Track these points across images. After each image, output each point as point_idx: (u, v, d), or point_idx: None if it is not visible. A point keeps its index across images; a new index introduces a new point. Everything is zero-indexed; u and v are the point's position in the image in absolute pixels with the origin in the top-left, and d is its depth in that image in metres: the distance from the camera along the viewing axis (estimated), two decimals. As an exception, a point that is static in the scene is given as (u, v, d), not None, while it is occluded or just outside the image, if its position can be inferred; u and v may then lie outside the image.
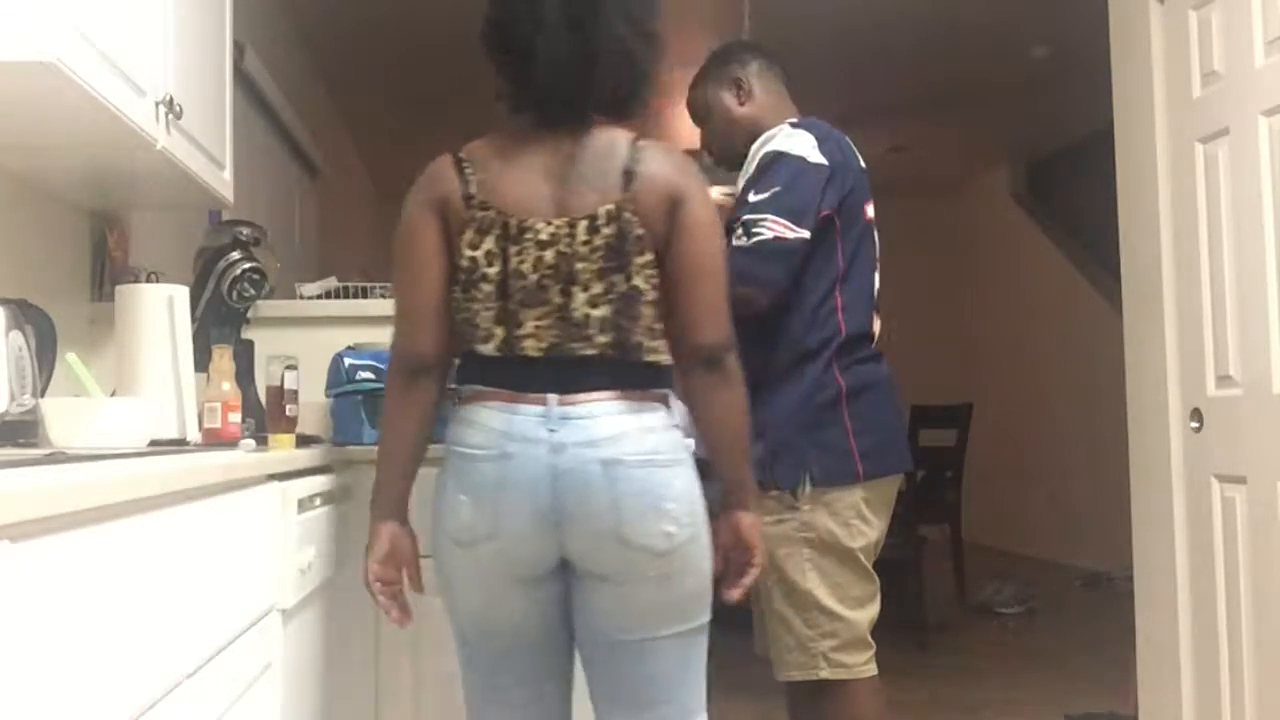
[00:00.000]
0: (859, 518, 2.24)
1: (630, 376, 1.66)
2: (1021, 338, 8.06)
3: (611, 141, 1.70)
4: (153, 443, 1.83)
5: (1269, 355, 2.45)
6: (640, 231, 1.65)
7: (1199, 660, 2.70)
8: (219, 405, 2.04)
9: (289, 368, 2.30)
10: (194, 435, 2.11)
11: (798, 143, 2.26)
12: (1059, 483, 7.37)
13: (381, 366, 2.46)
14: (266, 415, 2.31)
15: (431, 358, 1.69)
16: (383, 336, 2.65)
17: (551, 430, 1.61)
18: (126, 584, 1.14)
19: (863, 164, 2.37)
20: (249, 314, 2.62)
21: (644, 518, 1.62)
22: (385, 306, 2.87)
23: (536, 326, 1.64)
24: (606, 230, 1.64)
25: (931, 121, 6.72)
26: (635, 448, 1.62)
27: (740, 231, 2.20)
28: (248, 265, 2.51)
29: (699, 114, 2.55)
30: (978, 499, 6.28)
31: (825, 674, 2.21)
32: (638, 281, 1.65)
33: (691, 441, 1.79)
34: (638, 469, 1.62)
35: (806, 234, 2.20)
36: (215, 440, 2.02)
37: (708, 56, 2.56)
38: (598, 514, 1.61)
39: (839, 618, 2.22)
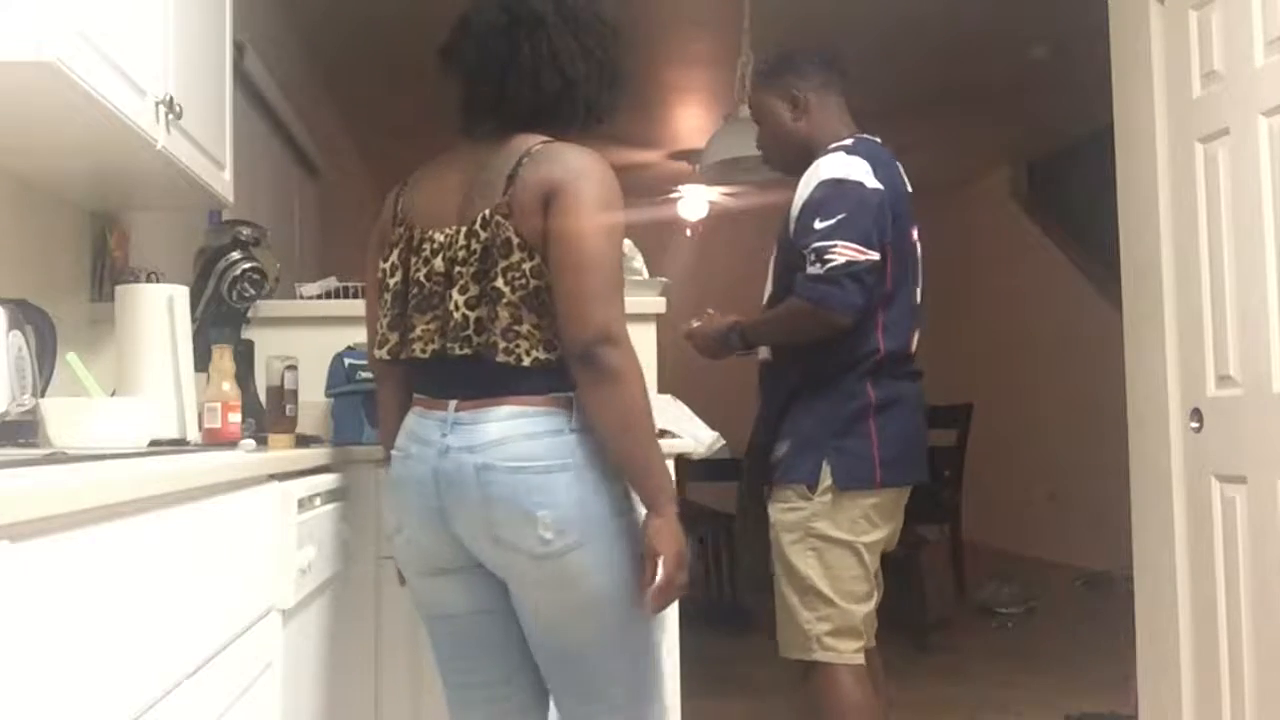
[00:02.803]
0: (865, 518, 2.37)
1: (524, 381, 1.68)
2: (1021, 338, 8.06)
3: (516, 148, 1.71)
4: (153, 443, 1.83)
5: (1269, 355, 2.45)
6: (509, 235, 1.66)
7: (1199, 660, 2.70)
8: (219, 405, 2.04)
9: (289, 368, 2.30)
10: (194, 435, 2.12)
11: (855, 168, 2.33)
12: (1059, 483, 7.36)
13: (382, 366, 2.46)
14: (266, 415, 2.31)
15: (379, 364, 1.85)
16: (383, 336, 2.66)
17: (444, 434, 1.70)
18: (126, 584, 1.14)
19: (909, 188, 2.43)
20: (249, 314, 2.62)
21: (515, 522, 1.65)
22: (385, 306, 2.88)
23: (424, 329, 1.73)
24: (483, 234, 1.68)
25: (931, 122, 6.72)
26: (510, 453, 1.65)
27: (813, 258, 2.27)
28: (248, 265, 2.52)
29: (755, 113, 2.63)
30: (978, 499, 6.27)
31: (817, 656, 2.36)
32: (498, 283, 1.67)
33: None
34: (508, 475, 1.65)
35: (877, 256, 2.29)
36: (215, 440, 2.02)
37: (772, 57, 2.61)
38: (472, 515, 1.68)
39: (833, 604, 2.35)
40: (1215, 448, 2.64)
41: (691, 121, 6.71)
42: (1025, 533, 7.78)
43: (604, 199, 1.68)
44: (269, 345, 2.49)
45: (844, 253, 2.25)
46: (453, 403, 1.71)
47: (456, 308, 1.69)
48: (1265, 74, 2.47)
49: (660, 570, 1.66)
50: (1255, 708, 2.49)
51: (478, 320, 1.68)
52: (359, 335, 2.67)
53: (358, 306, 2.89)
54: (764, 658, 4.57)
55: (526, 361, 1.66)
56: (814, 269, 2.27)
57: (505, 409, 1.68)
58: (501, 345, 1.66)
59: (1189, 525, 2.74)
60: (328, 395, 2.54)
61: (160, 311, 2.16)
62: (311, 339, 2.66)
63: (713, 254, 7.98)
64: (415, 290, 1.74)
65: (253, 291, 2.52)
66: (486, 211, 1.68)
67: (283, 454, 1.89)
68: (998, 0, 5.09)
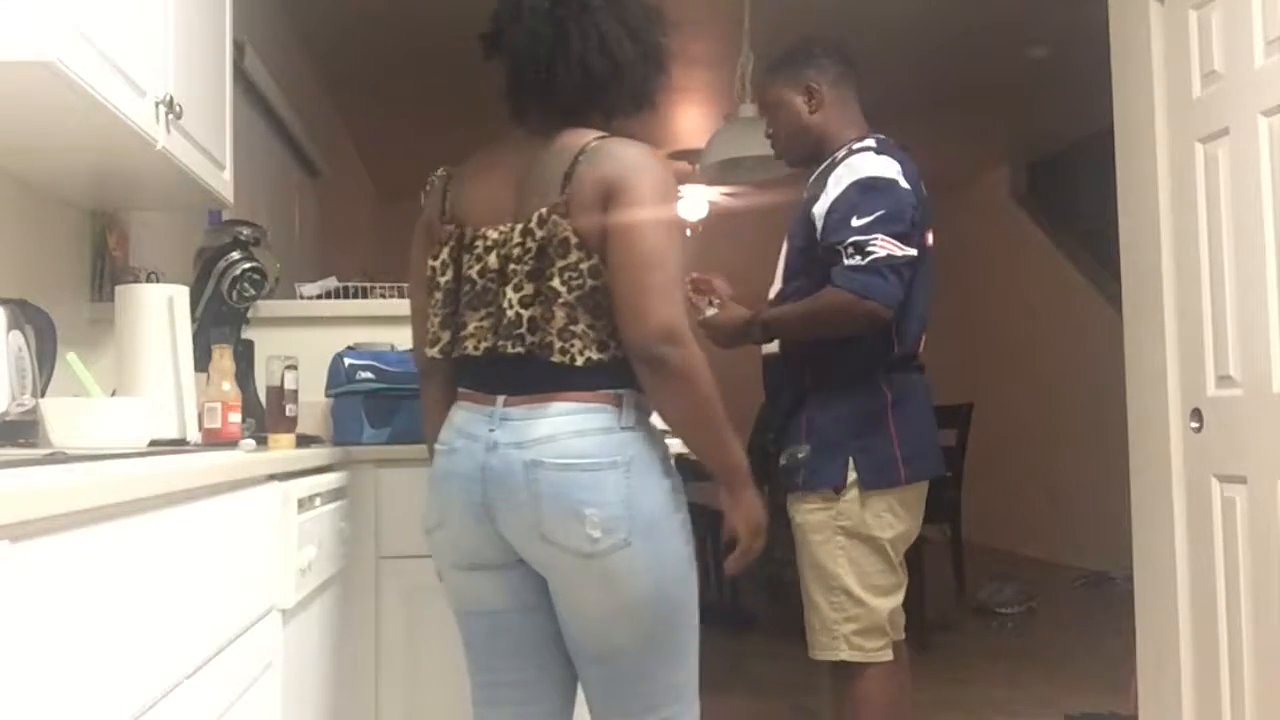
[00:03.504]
0: (890, 512, 2.40)
1: (576, 378, 1.66)
2: (1022, 338, 8.06)
3: (570, 144, 1.69)
4: (153, 443, 1.83)
5: (1269, 355, 2.45)
6: (567, 235, 1.65)
7: (1199, 660, 2.70)
8: (219, 405, 2.04)
9: (289, 368, 2.30)
10: (194, 435, 2.12)
11: (888, 168, 2.34)
12: (1059, 483, 7.37)
13: (382, 366, 2.47)
14: (266, 415, 2.31)
15: (428, 361, 1.80)
16: (383, 336, 2.68)
17: (491, 429, 1.68)
18: (126, 584, 1.14)
19: (925, 190, 2.44)
20: (249, 314, 2.62)
21: (563, 520, 1.63)
22: (385, 306, 2.88)
23: (477, 327, 1.71)
24: (539, 233, 1.66)
25: (931, 122, 6.71)
26: (559, 450, 1.63)
27: (851, 251, 2.27)
28: (248, 265, 2.52)
29: (767, 106, 2.61)
30: (978, 499, 6.27)
31: (845, 655, 2.38)
32: (554, 283, 1.65)
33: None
34: (557, 472, 1.63)
35: (914, 252, 2.31)
36: (215, 440, 2.02)
37: (787, 48, 2.59)
38: (519, 511, 1.66)
39: (861, 603, 2.38)
40: (1215, 448, 2.64)
41: (691, 121, 6.71)
42: (1025, 533, 7.78)
43: (662, 195, 1.67)
44: (269, 345, 2.49)
45: (884, 246, 2.26)
46: (501, 398, 1.69)
47: (510, 305, 1.67)
48: (1265, 74, 2.47)
49: (740, 543, 1.76)
50: (1255, 708, 2.50)
51: (531, 319, 1.66)
52: (359, 335, 2.68)
53: (358, 306, 2.90)
54: (766, 656, 4.58)
55: (580, 361, 1.65)
56: (854, 260, 2.26)
57: (555, 405, 1.65)
58: (557, 345, 1.65)
59: (1189, 525, 2.74)
60: (328, 395, 2.54)
61: (160, 311, 2.16)
62: (311, 339, 2.66)
63: (713, 254, 7.99)
64: (467, 288, 1.72)
65: (253, 291, 2.52)
66: (544, 210, 1.66)
67: (283, 454, 1.89)
68: (998, 0, 5.09)
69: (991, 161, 8.28)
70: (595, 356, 1.66)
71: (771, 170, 4.59)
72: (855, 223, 2.27)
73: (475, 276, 1.71)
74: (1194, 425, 2.70)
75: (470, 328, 1.72)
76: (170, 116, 2.11)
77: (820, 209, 2.36)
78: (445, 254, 1.75)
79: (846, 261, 2.27)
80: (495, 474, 1.66)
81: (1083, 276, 7.24)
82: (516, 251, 1.67)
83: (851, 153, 2.39)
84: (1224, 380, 2.61)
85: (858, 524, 2.37)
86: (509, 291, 1.67)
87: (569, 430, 1.64)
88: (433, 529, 1.78)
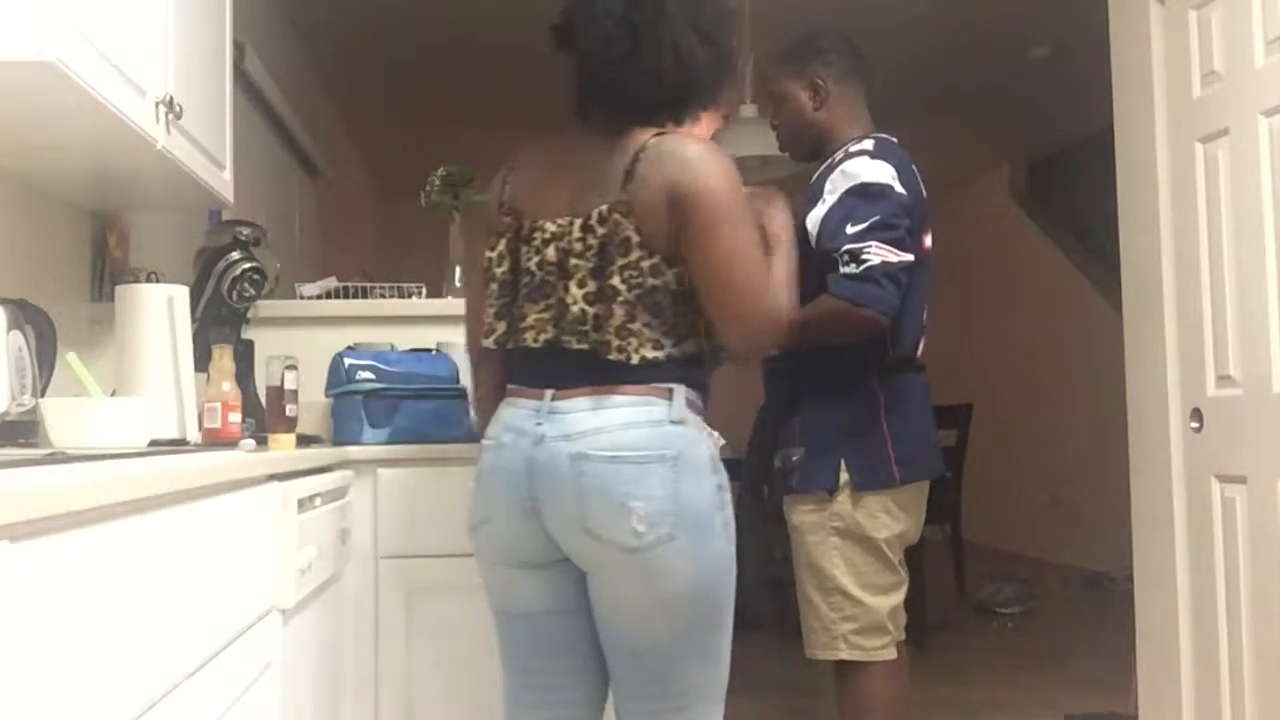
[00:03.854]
0: (885, 512, 2.39)
1: (625, 372, 1.66)
2: (1022, 338, 8.06)
3: (631, 142, 1.69)
4: (153, 443, 1.83)
5: (1269, 355, 2.45)
6: (629, 234, 1.65)
7: (1199, 660, 2.70)
8: (219, 405, 2.04)
9: (289, 368, 2.30)
10: (194, 435, 2.12)
11: (882, 172, 2.33)
12: (1059, 483, 7.36)
13: (382, 366, 2.46)
14: (266, 415, 2.31)
15: (482, 352, 1.82)
16: (383, 336, 2.68)
17: (539, 423, 1.67)
18: (126, 584, 1.14)
19: (924, 192, 2.43)
20: (249, 314, 2.62)
21: (608, 513, 1.62)
22: (385, 306, 2.89)
23: (537, 319, 1.70)
24: (600, 230, 1.66)
25: (931, 121, 6.71)
26: (606, 442, 1.63)
27: (846, 259, 2.27)
28: (248, 265, 2.52)
29: (772, 97, 2.59)
30: (978, 499, 6.27)
31: (844, 655, 2.37)
32: (614, 281, 1.65)
33: (715, 437, 1.78)
34: (604, 464, 1.62)
35: (910, 257, 2.30)
36: (215, 440, 2.02)
37: (796, 39, 2.57)
38: (564, 505, 1.65)
39: (859, 602, 2.37)
40: (1215, 448, 2.64)
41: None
42: (1025, 533, 7.78)
43: (730, 189, 1.68)
44: (269, 345, 2.49)
45: (879, 253, 2.25)
46: (549, 391, 1.69)
47: (575, 301, 1.67)
48: (1265, 74, 2.46)
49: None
50: (1255, 708, 2.49)
51: (596, 316, 1.66)
52: (359, 335, 2.68)
53: (358, 306, 2.90)
54: (766, 655, 4.58)
55: (635, 360, 1.65)
56: (849, 269, 2.26)
57: (605, 399, 1.65)
58: (615, 344, 1.65)
59: (1189, 525, 2.74)
60: (328, 395, 2.54)
61: (160, 311, 2.16)
62: (311, 339, 2.66)
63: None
64: (526, 279, 1.72)
65: (253, 291, 2.52)
66: (604, 208, 1.66)
67: (283, 454, 1.89)
68: (998, 0, 5.09)
69: (991, 161, 8.28)
70: (650, 355, 1.66)
71: (773, 170, 4.59)
72: (849, 230, 2.27)
73: (534, 269, 1.71)
74: (1194, 425, 2.70)
75: (530, 319, 1.71)
76: (170, 116, 2.11)
77: (814, 216, 2.36)
78: (503, 245, 1.75)
79: (842, 269, 2.27)
80: (541, 468, 1.65)
81: (1083, 276, 7.24)
82: (578, 247, 1.67)
83: (848, 156, 2.38)
84: (1224, 380, 2.61)
85: (851, 524, 2.37)
86: (573, 287, 1.67)
87: (617, 423, 1.64)
88: (478, 525, 1.76)
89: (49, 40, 1.62)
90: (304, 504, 1.85)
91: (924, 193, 2.44)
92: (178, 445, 1.94)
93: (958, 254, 8.85)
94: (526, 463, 1.67)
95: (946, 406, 5.76)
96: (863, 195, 2.30)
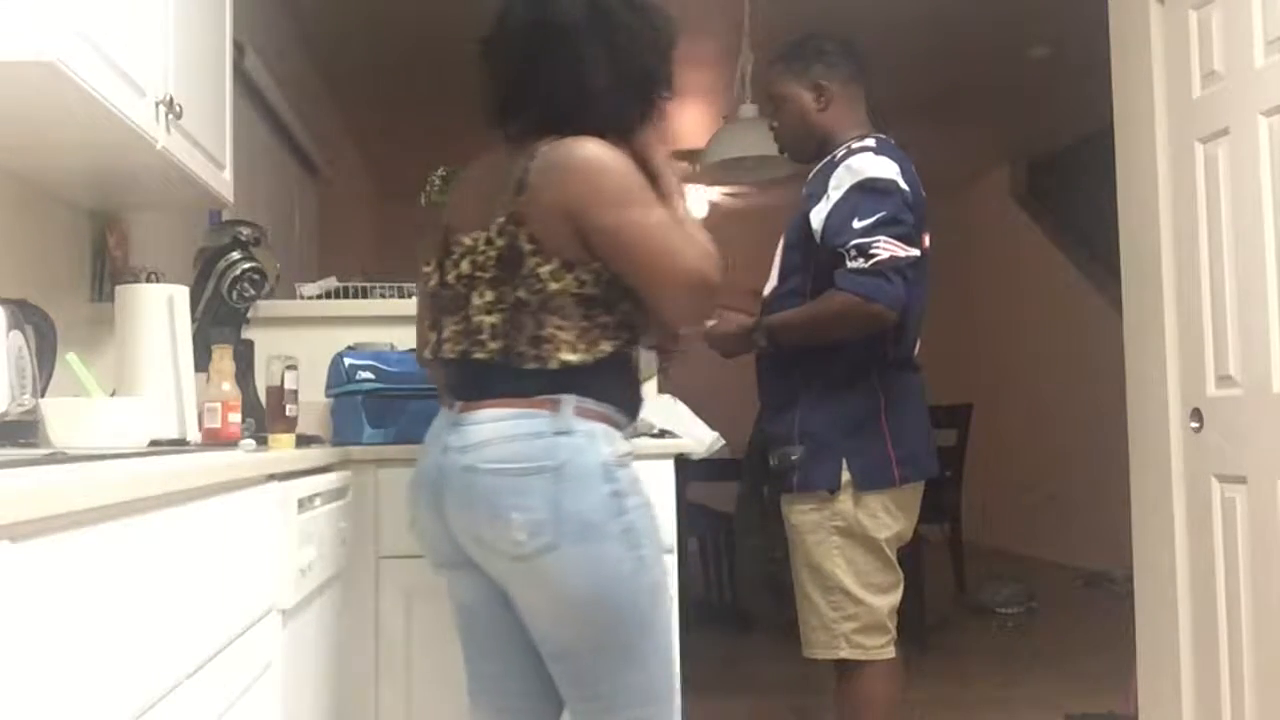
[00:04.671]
0: (885, 512, 2.40)
1: (517, 383, 1.68)
2: (1021, 338, 8.06)
3: (529, 152, 1.70)
4: (153, 443, 1.83)
5: (1269, 355, 2.45)
6: (525, 244, 1.67)
7: (1199, 660, 2.70)
8: (219, 405, 2.04)
9: (289, 368, 2.30)
10: (194, 435, 2.11)
11: (887, 169, 2.33)
12: (1059, 483, 7.36)
13: (382, 366, 2.47)
14: (266, 415, 2.31)
15: (428, 364, 1.87)
16: (383, 336, 2.68)
17: (448, 434, 1.73)
18: (126, 584, 1.14)
19: (923, 192, 2.43)
20: (249, 314, 2.62)
21: (491, 522, 1.66)
22: (385, 306, 2.89)
23: (452, 331, 1.76)
24: (499, 242, 1.69)
25: (931, 122, 6.71)
26: (491, 455, 1.66)
27: (854, 254, 2.27)
28: (248, 265, 2.52)
29: (772, 98, 2.58)
30: (978, 499, 6.28)
31: (845, 653, 2.38)
32: (521, 292, 1.68)
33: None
34: (489, 476, 1.66)
35: (917, 253, 2.31)
36: (215, 440, 2.02)
37: (797, 41, 2.57)
38: (459, 513, 1.71)
39: (860, 601, 2.37)
40: (1215, 448, 2.64)
41: (691, 121, 6.71)
42: (1025, 533, 7.78)
43: (619, 183, 1.67)
44: (269, 345, 2.49)
45: (887, 248, 2.25)
46: (458, 404, 1.74)
47: (476, 312, 1.71)
48: (1265, 74, 2.47)
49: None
50: (1255, 708, 2.50)
51: (493, 326, 1.69)
52: (359, 335, 2.68)
53: (358, 306, 2.90)
54: (765, 656, 4.58)
55: (554, 365, 1.67)
56: (857, 263, 2.26)
57: (490, 411, 1.69)
58: (531, 353, 1.67)
59: (1189, 525, 2.74)
60: (328, 395, 2.54)
61: (160, 311, 2.16)
62: (311, 339, 2.66)
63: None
64: (446, 292, 1.77)
65: (253, 291, 2.52)
66: (502, 219, 1.69)
67: (283, 454, 1.89)
68: (998, 1, 5.09)
69: (991, 161, 8.28)
70: (573, 359, 1.67)
71: (772, 170, 4.59)
72: (857, 225, 2.26)
73: (452, 281, 1.76)
74: (1194, 425, 2.70)
75: (447, 331, 1.77)
76: (170, 116, 2.11)
77: (819, 212, 2.35)
78: (434, 259, 1.81)
79: (850, 264, 2.26)
80: (444, 476, 1.72)
81: (1083, 276, 7.23)
82: (480, 259, 1.71)
83: (851, 152, 2.38)
84: (1224, 380, 2.61)
85: (852, 524, 2.37)
86: (474, 298, 1.72)
87: (502, 435, 1.67)
88: (411, 526, 1.86)
89: (49, 40, 1.62)
90: (304, 504, 1.85)
91: (923, 192, 2.44)
92: (178, 445, 1.93)
93: (958, 254, 8.85)
94: (437, 470, 1.73)
95: (946, 406, 5.77)
96: (869, 191, 2.29)
